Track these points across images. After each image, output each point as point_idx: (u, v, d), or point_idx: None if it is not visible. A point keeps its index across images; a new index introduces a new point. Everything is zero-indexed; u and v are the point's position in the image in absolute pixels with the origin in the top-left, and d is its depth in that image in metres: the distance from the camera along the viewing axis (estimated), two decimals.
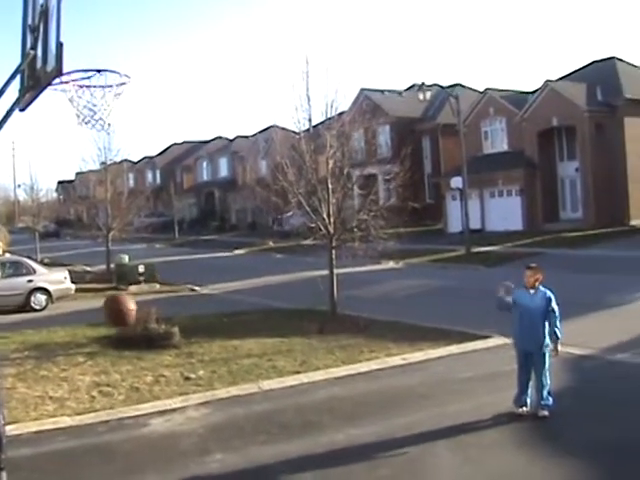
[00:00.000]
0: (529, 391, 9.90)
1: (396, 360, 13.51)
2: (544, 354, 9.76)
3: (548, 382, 9.79)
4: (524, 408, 9.86)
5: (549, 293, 9.84)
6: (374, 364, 13.28)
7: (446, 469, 8.13)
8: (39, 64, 6.31)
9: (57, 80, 6.33)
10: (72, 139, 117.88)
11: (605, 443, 8.65)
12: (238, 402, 11.19)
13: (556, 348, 9.80)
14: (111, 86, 6.65)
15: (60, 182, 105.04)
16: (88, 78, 6.59)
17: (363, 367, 13.10)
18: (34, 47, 6.34)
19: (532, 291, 9.85)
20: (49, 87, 6.41)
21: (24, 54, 6.53)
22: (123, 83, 6.69)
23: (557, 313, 9.75)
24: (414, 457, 8.48)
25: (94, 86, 6.61)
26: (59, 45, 5.89)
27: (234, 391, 11.71)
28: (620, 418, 9.58)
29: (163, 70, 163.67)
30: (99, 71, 6.56)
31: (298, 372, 12.78)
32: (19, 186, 64.54)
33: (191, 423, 10.22)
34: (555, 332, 9.72)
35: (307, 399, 11.21)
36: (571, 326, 15.66)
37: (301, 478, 8.00)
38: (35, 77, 6.42)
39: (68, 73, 6.47)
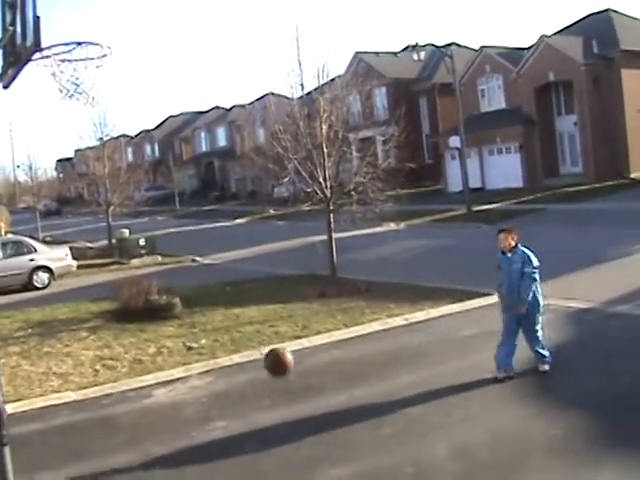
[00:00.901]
0: (513, 356, 9.66)
1: (398, 320, 13.56)
2: (531, 313, 9.58)
3: (540, 338, 9.70)
4: (511, 372, 9.56)
5: (527, 254, 9.56)
6: (376, 325, 13.34)
7: (448, 426, 8.15)
8: (19, 40, 6.26)
9: (38, 55, 6.26)
10: (69, 117, 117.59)
11: (608, 395, 8.71)
12: (241, 369, 11.27)
13: (515, 307, 9.53)
14: (93, 59, 6.55)
15: (59, 160, 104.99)
16: (69, 52, 6.50)
17: (365, 329, 13.16)
18: (13, 23, 6.28)
19: (509, 254, 9.64)
20: (30, 62, 6.35)
21: (4, 30, 6.48)
22: (105, 55, 6.59)
23: (533, 276, 9.44)
24: (416, 415, 8.54)
25: (76, 59, 6.52)
26: (36, 18, 5.83)
27: (236, 358, 11.78)
28: (622, 370, 9.62)
29: (156, 42, 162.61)
30: (79, 43, 6.46)
31: (300, 337, 12.84)
32: (18, 166, 64.37)
33: (194, 392, 10.30)
34: (519, 292, 9.47)
35: (309, 363, 11.23)
36: (572, 279, 15.77)
37: (304, 440, 8.04)
38: (16, 53, 6.37)
39: (48, 47, 6.38)
